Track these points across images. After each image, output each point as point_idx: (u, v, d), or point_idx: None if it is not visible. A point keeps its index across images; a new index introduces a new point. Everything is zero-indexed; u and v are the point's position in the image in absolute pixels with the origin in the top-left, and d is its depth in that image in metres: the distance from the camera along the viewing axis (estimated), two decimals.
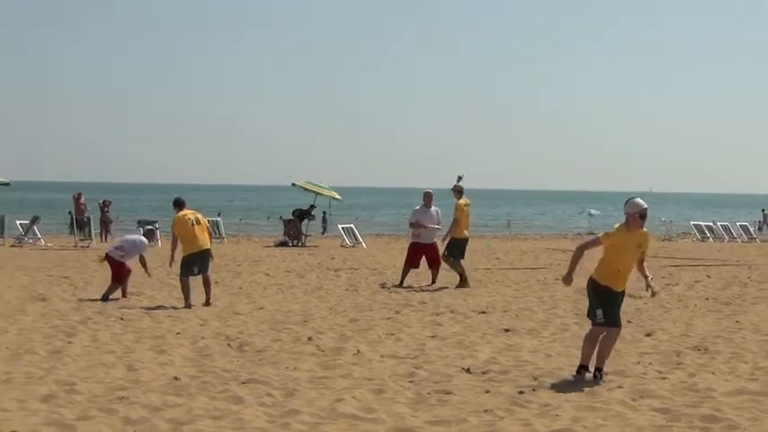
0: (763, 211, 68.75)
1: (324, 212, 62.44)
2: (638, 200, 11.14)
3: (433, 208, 22.68)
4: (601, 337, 11.19)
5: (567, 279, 11.38)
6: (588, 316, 11.41)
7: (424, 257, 22.51)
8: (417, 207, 23.09)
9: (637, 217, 11.05)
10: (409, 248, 23.14)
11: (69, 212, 43.19)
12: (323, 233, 56.99)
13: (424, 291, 20.99)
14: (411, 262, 22.63)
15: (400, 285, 22.02)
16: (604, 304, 11.09)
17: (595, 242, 11.32)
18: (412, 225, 23.08)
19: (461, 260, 22.13)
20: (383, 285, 22.26)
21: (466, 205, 22.29)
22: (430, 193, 22.71)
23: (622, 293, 11.39)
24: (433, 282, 22.29)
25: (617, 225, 11.33)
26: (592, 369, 11.16)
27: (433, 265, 22.51)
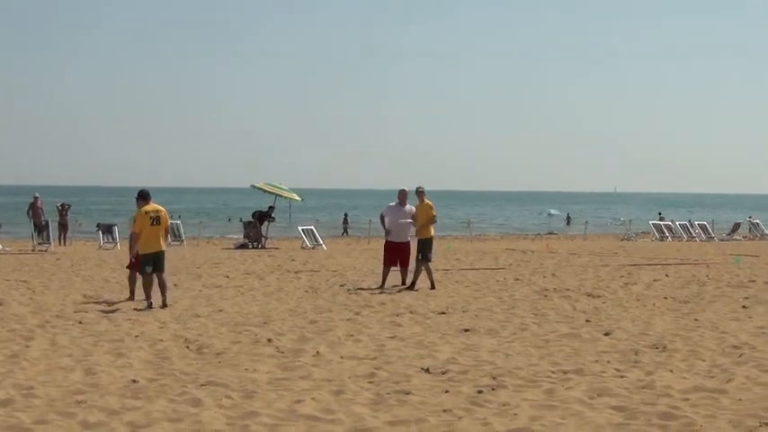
0: (660, 213, 69.41)
1: (345, 214, 62.61)
2: None
3: (407, 206, 22.39)
4: None
5: None
6: None
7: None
8: (392, 204, 22.77)
9: None
10: (384, 248, 22.93)
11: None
12: (343, 234, 57.20)
13: (385, 292, 20.99)
14: (387, 262, 22.45)
15: (381, 286, 21.90)
16: None
17: None
18: (382, 220, 22.81)
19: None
20: (343, 286, 22.26)
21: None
22: (404, 190, 22.43)
23: None
24: (403, 282, 22.18)
25: None
26: None
27: (403, 265, 22.38)
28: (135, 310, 17.70)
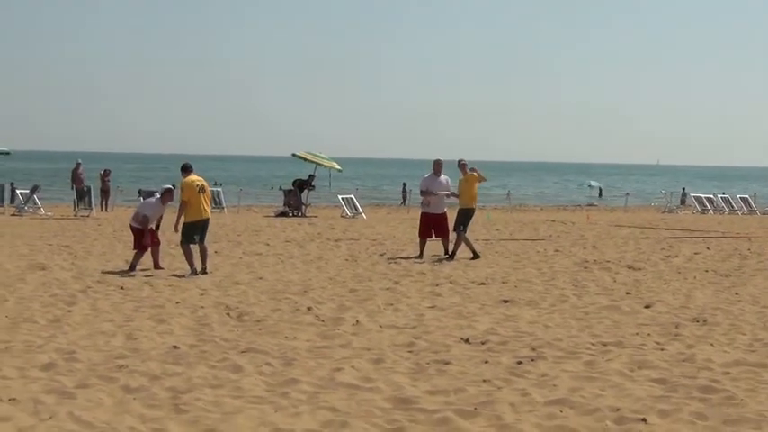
0: (684, 189, 68.90)
1: (404, 183, 62.40)
2: None
3: (442, 176, 22.36)
4: None
5: None
6: None
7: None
8: (426, 175, 22.81)
9: None
10: (420, 219, 22.92)
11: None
12: (402, 203, 57.15)
13: (425, 262, 20.97)
14: (422, 234, 22.44)
15: (419, 257, 21.80)
16: None
17: None
18: (422, 193, 22.77)
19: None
20: (382, 255, 22.26)
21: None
22: (440, 161, 22.43)
23: None
24: (446, 252, 21.99)
25: None
26: None
27: (440, 235, 22.26)
28: (176, 276, 17.80)
